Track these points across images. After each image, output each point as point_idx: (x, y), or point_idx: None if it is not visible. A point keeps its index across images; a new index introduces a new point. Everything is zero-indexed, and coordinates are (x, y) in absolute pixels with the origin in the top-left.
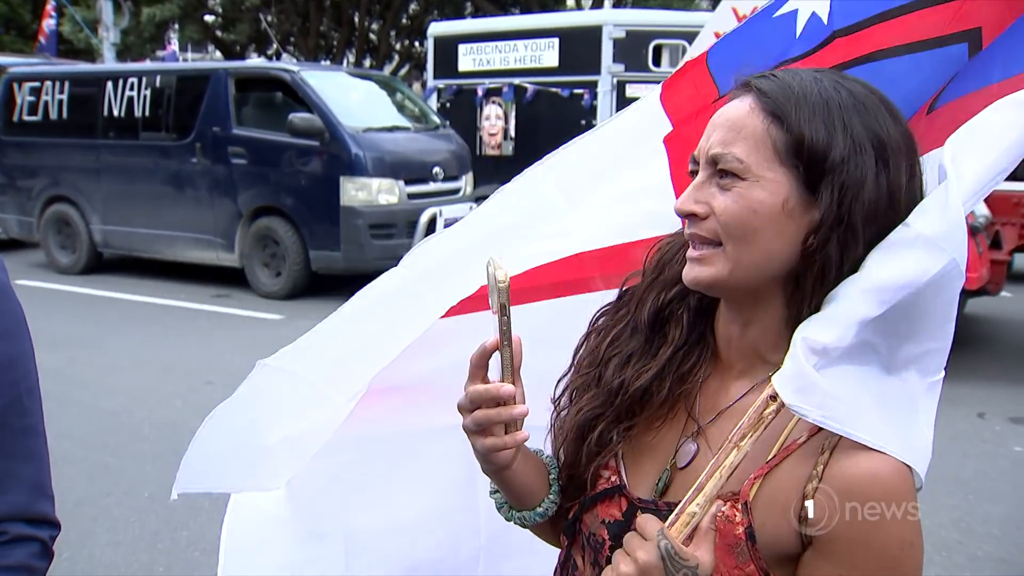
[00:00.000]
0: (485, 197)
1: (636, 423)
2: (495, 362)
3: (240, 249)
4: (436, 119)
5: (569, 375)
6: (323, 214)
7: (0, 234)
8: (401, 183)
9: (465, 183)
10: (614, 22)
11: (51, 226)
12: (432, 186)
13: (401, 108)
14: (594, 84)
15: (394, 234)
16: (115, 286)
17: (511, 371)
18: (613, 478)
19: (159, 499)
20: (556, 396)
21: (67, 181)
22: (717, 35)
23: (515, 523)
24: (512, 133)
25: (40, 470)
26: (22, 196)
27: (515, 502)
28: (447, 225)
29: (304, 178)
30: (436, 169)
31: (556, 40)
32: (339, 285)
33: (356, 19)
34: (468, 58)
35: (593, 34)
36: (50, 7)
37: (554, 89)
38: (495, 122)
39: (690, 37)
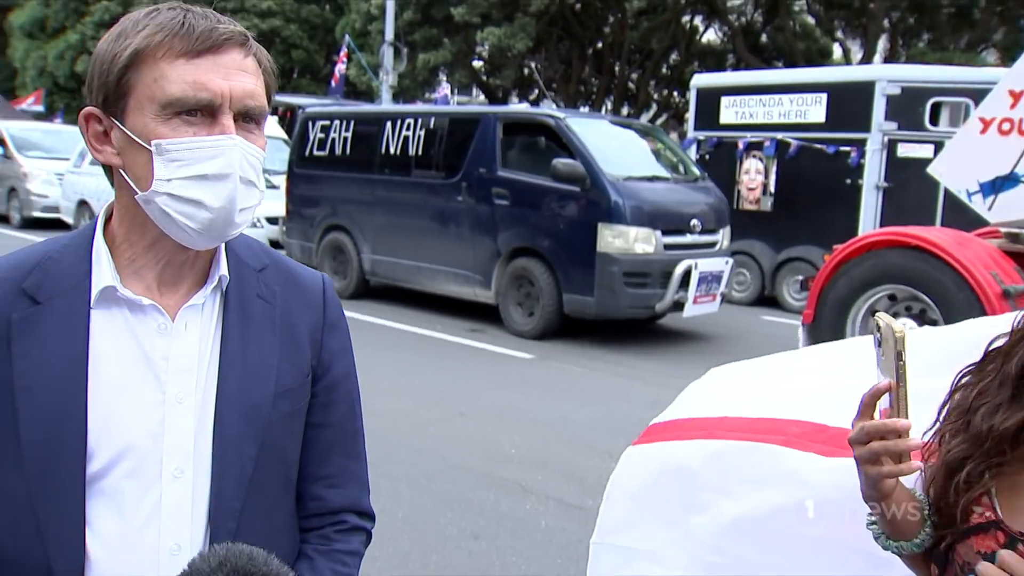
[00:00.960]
0: (741, 252)
1: (1006, 462)
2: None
3: (496, 287)
4: (696, 170)
5: (937, 425)
6: (579, 259)
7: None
8: (658, 233)
9: (722, 237)
10: (888, 78)
11: (327, 252)
12: (689, 238)
13: (661, 158)
14: (863, 142)
15: (648, 283)
16: (379, 313)
17: (905, 408)
18: (987, 513)
19: (411, 520)
20: (924, 444)
21: (344, 212)
22: (1012, 94)
23: (892, 551)
24: (772, 188)
25: (365, 469)
26: (305, 223)
27: (892, 532)
28: (701, 278)
29: (563, 222)
30: (694, 221)
31: (824, 95)
32: (590, 330)
33: (617, 68)
34: (731, 111)
35: (864, 90)
36: (342, 53)
37: (819, 146)
38: (755, 176)
39: (975, 95)
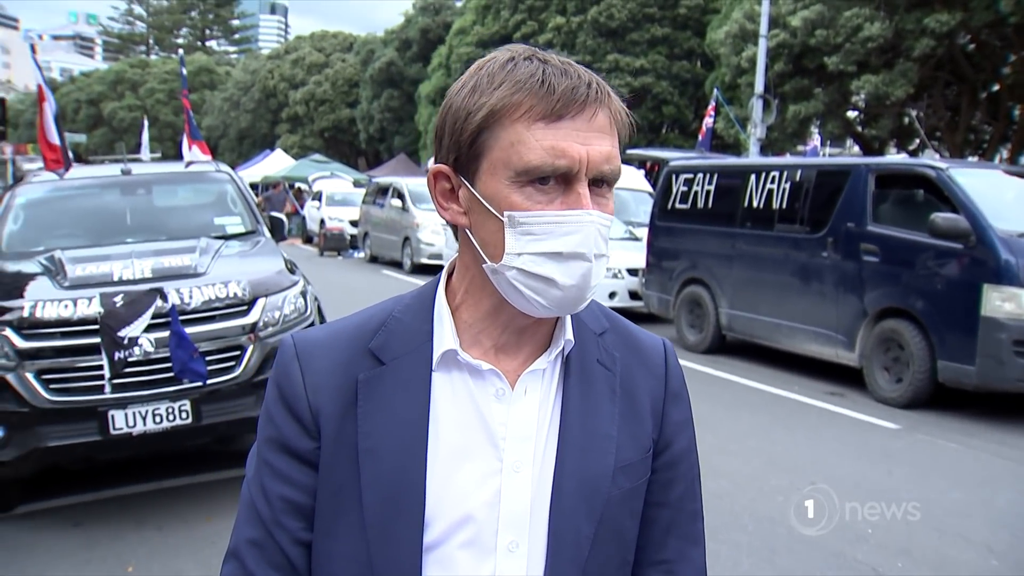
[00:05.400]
0: None
1: None
2: None
3: (861, 349)
4: None
5: None
6: (958, 323)
7: (642, 308)
8: None
9: None
10: None
11: (684, 305)
12: None
13: None
14: None
15: None
16: (733, 369)
17: None
18: None
19: None
20: None
21: (703, 265)
22: None
23: None
24: None
25: (704, 555)
26: (665, 276)
27: None
28: None
29: (940, 282)
30: None
31: None
32: (967, 402)
33: (1016, 112)
34: None
35: None
36: (711, 107)
37: None
38: None
39: None
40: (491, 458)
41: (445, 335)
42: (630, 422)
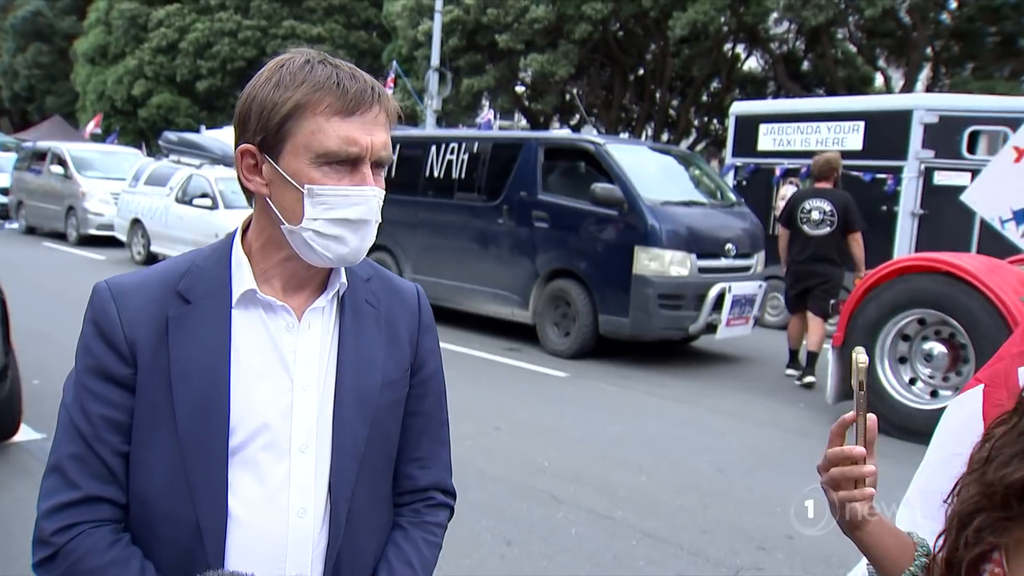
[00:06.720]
0: (774, 277)
1: (1013, 518)
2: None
3: (534, 307)
4: (732, 196)
5: (962, 474)
6: (615, 281)
7: None
8: (693, 257)
9: (757, 261)
10: (927, 107)
11: None
12: (724, 262)
13: (699, 184)
14: (899, 170)
15: (682, 306)
16: None
17: (863, 438)
18: (996, 570)
19: (448, 526)
20: (949, 492)
21: (387, 232)
22: None
23: None
24: None
25: (449, 453)
26: None
27: (879, 569)
28: (735, 302)
29: (600, 245)
30: (729, 246)
31: (862, 124)
32: (624, 350)
33: (658, 95)
34: (768, 138)
35: (902, 119)
36: (389, 79)
37: (855, 173)
38: None
39: (1014, 123)
40: (284, 378)
41: (244, 278)
42: (392, 348)
